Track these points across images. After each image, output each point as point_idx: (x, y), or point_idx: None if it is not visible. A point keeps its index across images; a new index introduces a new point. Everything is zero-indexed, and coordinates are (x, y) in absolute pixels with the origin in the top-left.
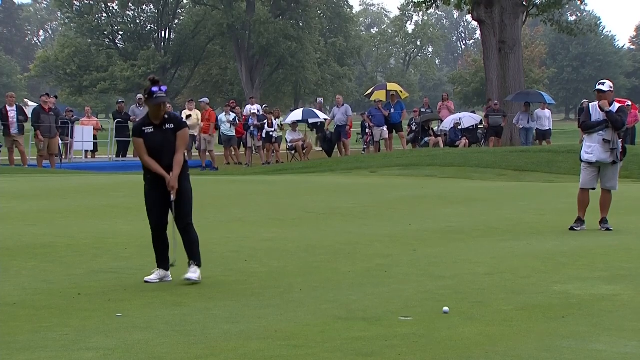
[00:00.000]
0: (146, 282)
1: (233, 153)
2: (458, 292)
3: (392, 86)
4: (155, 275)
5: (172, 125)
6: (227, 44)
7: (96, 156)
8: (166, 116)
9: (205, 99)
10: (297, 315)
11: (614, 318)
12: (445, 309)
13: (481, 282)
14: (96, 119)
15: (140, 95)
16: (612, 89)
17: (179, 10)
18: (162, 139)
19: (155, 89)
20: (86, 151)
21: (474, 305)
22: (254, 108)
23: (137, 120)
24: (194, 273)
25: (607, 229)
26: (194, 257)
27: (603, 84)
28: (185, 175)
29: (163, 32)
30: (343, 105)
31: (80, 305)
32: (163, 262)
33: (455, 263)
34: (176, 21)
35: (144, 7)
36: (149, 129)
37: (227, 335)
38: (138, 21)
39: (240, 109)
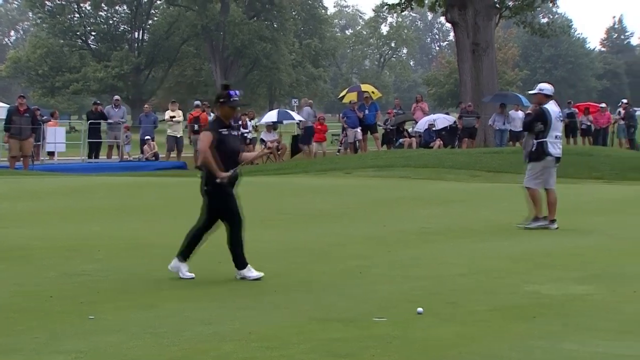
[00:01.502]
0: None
1: None
2: (432, 293)
3: (366, 87)
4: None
5: (236, 133)
6: (201, 44)
7: (68, 157)
8: (232, 122)
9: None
10: (272, 317)
11: (585, 318)
12: (420, 309)
13: (455, 283)
14: (56, 121)
15: (117, 97)
16: (541, 91)
17: (153, 11)
18: (233, 141)
19: (233, 92)
20: (50, 152)
21: (448, 305)
22: None
23: (210, 122)
24: (255, 272)
25: (526, 227)
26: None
27: (542, 90)
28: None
29: (136, 33)
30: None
31: (52, 308)
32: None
33: (430, 264)
34: (150, 22)
35: (117, 7)
36: (224, 131)
37: (201, 337)
38: (111, 22)
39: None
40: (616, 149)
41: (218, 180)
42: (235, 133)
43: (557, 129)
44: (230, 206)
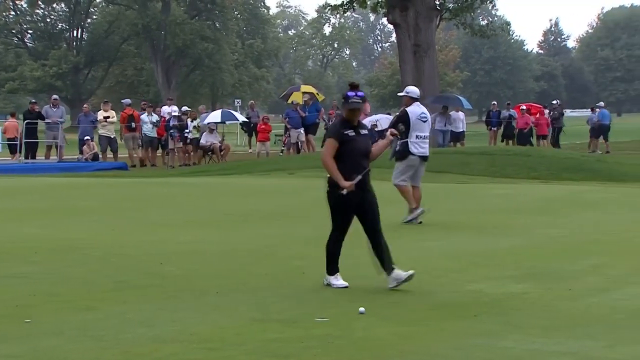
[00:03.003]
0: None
1: (150, 154)
2: (374, 293)
3: (306, 88)
4: (342, 280)
5: (366, 131)
6: (142, 44)
7: (3, 158)
8: (360, 121)
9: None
10: (213, 318)
11: (523, 316)
12: (361, 309)
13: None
14: None
15: (55, 96)
16: (407, 94)
17: (92, 9)
18: (359, 142)
19: (351, 93)
20: None
21: (390, 305)
22: (173, 109)
23: (333, 125)
24: (404, 272)
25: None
26: (391, 260)
27: (409, 93)
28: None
29: (75, 32)
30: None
31: None
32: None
33: (371, 264)
34: (89, 20)
35: (54, 5)
36: (350, 132)
37: (141, 339)
38: (48, 20)
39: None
40: (551, 149)
41: (344, 192)
42: (364, 132)
43: (420, 129)
44: (339, 210)
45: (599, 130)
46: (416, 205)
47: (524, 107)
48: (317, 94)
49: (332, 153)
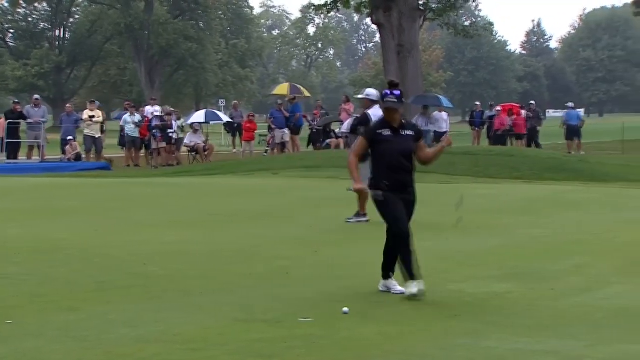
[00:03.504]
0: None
1: (133, 155)
2: (358, 293)
3: (281, 89)
4: (415, 287)
5: (411, 132)
6: (125, 43)
7: None
8: (404, 121)
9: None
10: (196, 318)
11: (506, 315)
12: (345, 309)
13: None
14: None
15: (37, 96)
16: (368, 97)
17: (74, 9)
18: (398, 144)
19: (387, 91)
20: None
21: (373, 305)
22: (155, 109)
23: (373, 122)
24: (418, 286)
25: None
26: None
27: (369, 95)
28: (413, 182)
29: (57, 31)
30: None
31: None
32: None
33: (356, 264)
34: (71, 20)
35: (36, 4)
36: (386, 132)
37: (124, 339)
38: (30, 19)
39: (136, 110)
40: (534, 149)
41: (379, 195)
42: (407, 133)
43: None
44: (392, 211)
45: (569, 132)
46: (365, 213)
47: (499, 109)
48: (302, 90)
49: (359, 152)
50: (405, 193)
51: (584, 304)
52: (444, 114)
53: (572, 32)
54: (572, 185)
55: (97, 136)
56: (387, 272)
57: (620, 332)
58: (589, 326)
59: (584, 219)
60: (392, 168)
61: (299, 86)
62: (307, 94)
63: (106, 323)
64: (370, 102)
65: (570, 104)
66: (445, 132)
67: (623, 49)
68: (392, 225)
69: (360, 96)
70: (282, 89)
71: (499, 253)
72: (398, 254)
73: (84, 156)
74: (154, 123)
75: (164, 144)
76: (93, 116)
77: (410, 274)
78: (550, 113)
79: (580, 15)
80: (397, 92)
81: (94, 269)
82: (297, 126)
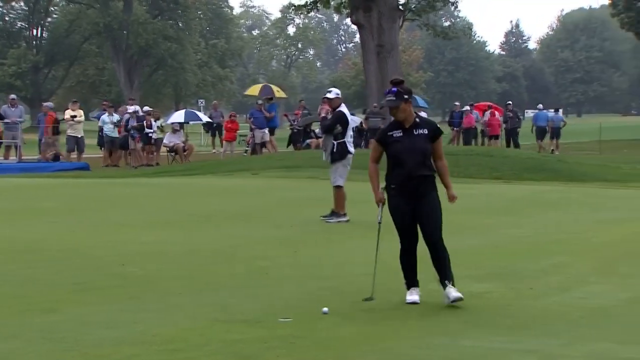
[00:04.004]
0: (409, 303)
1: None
2: (337, 293)
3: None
4: (416, 296)
5: (425, 131)
6: (103, 43)
7: None
8: (417, 120)
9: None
10: (175, 319)
11: (484, 315)
12: (325, 309)
13: (360, 283)
14: None
15: (13, 95)
16: (338, 96)
17: (52, 8)
18: (409, 144)
19: (386, 91)
20: None
21: (353, 305)
22: (133, 109)
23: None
24: (455, 292)
25: (326, 221)
26: (447, 276)
27: (330, 91)
28: (434, 185)
29: (35, 30)
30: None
31: None
32: (415, 279)
33: (336, 264)
34: (49, 19)
35: (12, 3)
36: (397, 133)
37: (102, 341)
38: (7, 18)
39: (115, 110)
40: (514, 150)
41: (393, 185)
42: (419, 132)
43: (350, 129)
44: (394, 219)
45: (538, 132)
46: (345, 212)
47: (467, 108)
48: (278, 91)
49: (375, 157)
50: (419, 196)
51: (562, 303)
52: (423, 114)
53: (550, 33)
54: (551, 185)
55: (79, 136)
56: (409, 282)
57: (598, 330)
58: (567, 325)
59: (563, 219)
60: (402, 170)
61: (272, 86)
62: (282, 94)
63: (84, 324)
64: (340, 101)
65: (540, 106)
66: None
67: (600, 49)
68: (400, 239)
69: (331, 95)
70: (254, 89)
71: (479, 253)
72: (407, 263)
73: (62, 156)
74: (130, 123)
75: (141, 144)
76: (75, 116)
77: (406, 283)
78: (529, 113)
79: (558, 16)
80: (394, 89)
81: (72, 270)
82: (272, 126)
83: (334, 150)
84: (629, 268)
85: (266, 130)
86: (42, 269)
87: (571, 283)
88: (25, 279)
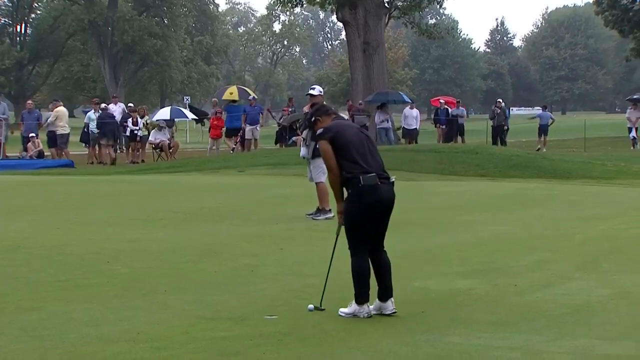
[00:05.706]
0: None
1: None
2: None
3: (232, 89)
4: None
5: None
6: (88, 40)
7: None
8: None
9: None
10: (160, 317)
11: (469, 311)
12: (310, 306)
13: (345, 280)
14: None
15: None
16: (321, 93)
17: (36, 4)
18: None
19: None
20: None
21: (338, 302)
22: (117, 108)
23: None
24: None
25: (313, 218)
26: (389, 288)
27: (314, 89)
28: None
29: (19, 27)
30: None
31: None
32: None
33: (321, 261)
34: (33, 15)
35: None
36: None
37: (86, 338)
38: None
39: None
40: (499, 147)
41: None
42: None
43: None
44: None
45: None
46: (330, 208)
47: (442, 101)
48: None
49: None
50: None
51: (546, 299)
52: (414, 111)
53: (535, 30)
54: (535, 183)
55: (66, 132)
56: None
57: (581, 327)
58: (551, 321)
59: (547, 216)
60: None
61: (246, 89)
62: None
63: (68, 322)
64: (322, 98)
65: (499, 101)
66: (415, 129)
67: (585, 47)
68: (356, 241)
69: (315, 92)
70: (233, 94)
71: (463, 250)
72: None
73: (47, 154)
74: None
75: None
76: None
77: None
78: (514, 111)
79: (543, 14)
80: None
81: (55, 268)
82: (234, 127)
83: (317, 147)
84: (612, 264)
85: (257, 127)
86: (25, 266)
87: (555, 279)
88: (9, 277)
